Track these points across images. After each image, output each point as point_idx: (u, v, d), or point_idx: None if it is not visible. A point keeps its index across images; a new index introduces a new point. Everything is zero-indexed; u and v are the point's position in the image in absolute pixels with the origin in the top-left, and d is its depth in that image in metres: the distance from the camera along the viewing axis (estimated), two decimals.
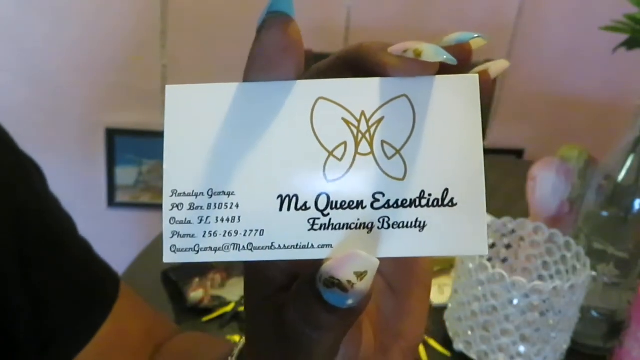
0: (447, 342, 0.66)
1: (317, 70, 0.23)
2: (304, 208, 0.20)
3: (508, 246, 0.68)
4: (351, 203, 0.20)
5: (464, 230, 0.20)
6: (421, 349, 0.66)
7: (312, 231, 0.20)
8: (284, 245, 0.20)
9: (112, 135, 1.36)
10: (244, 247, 0.20)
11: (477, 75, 0.21)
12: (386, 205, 0.20)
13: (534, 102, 1.43)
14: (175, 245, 0.20)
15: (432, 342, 0.67)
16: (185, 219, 0.20)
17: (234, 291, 0.72)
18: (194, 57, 1.33)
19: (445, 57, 0.20)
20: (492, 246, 0.68)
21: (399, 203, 0.20)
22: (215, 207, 0.20)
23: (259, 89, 0.21)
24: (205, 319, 0.68)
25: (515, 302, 0.59)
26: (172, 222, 0.20)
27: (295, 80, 0.21)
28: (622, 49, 0.65)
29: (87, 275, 0.43)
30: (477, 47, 0.21)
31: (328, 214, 0.20)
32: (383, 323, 0.24)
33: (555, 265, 0.66)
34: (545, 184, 0.79)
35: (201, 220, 0.20)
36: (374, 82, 0.21)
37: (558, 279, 0.65)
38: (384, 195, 0.20)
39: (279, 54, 0.21)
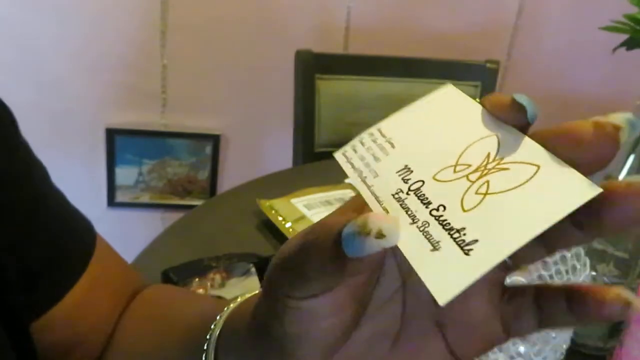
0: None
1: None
2: (405, 179, 0.23)
3: None
4: (425, 199, 0.22)
5: (451, 276, 0.20)
6: None
7: (393, 196, 0.23)
8: (371, 184, 0.24)
9: (112, 135, 1.36)
10: (357, 167, 0.25)
11: (600, 190, 0.21)
12: (437, 218, 0.21)
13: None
14: (346, 153, 0.26)
15: None
16: (363, 142, 0.26)
17: (234, 291, 0.72)
18: (194, 57, 1.33)
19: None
20: None
21: (444, 223, 0.21)
22: (376, 147, 0.25)
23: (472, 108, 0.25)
24: None
25: None
26: (357, 143, 0.26)
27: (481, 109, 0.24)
28: (622, 49, 0.65)
29: (66, 220, 0.43)
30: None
31: (409, 195, 0.23)
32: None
33: (555, 265, 0.66)
34: None
35: (366, 147, 0.26)
36: (526, 140, 0.22)
37: (558, 279, 0.65)
38: (445, 209, 0.21)
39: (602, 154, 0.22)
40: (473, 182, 0.22)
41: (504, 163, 0.22)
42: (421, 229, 0.21)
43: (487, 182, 0.22)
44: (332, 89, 1.16)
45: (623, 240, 0.65)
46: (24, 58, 1.29)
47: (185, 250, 0.78)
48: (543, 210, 0.20)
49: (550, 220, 0.20)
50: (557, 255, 0.66)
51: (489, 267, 0.19)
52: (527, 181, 0.21)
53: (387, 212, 0.23)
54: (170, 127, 1.37)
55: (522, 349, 0.61)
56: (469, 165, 0.22)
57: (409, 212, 0.22)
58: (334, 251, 0.21)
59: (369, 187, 0.24)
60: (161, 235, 0.84)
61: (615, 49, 0.65)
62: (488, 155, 0.22)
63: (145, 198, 1.44)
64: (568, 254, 0.64)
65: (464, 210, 0.21)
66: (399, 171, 0.24)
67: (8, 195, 0.39)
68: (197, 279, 0.71)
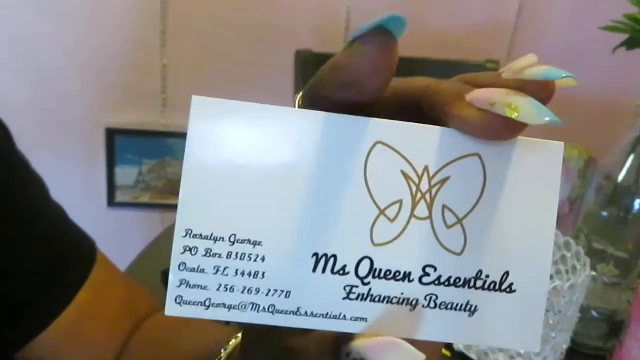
0: (447, 342, 0.66)
1: None
2: (341, 272, 0.17)
3: None
4: (397, 274, 0.17)
5: (517, 322, 0.17)
6: None
7: (347, 300, 0.17)
8: (312, 313, 0.17)
9: (112, 135, 1.36)
10: (264, 308, 0.17)
11: (562, 143, 0.18)
12: (436, 282, 0.17)
13: None
14: (182, 297, 0.17)
15: None
16: (199, 266, 0.17)
17: None
18: (194, 57, 1.33)
19: (548, 119, 0.16)
20: None
21: (452, 281, 0.17)
22: (237, 258, 0.17)
23: (308, 119, 0.17)
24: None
25: None
26: (181, 268, 0.17)
27: (351, 115, 0.17)
28: (622, 49, 0.65)
29: (60, 241, 0.40)
30: (562, 86, 0.18)
31: (369, 283, 0.17)
32: None
33: (555, 265, 0.66)
34: None
35: (217, 271, 0.17)
36: (445, 132, 0.17)
37: (558, 279, 0.65)
38: (435, 269, 0.17)
39: (369, 75, 0.17)
40: (428, 218, 0.17)
41: (435, 174, 0.17)
42: (433, 306, 0.17)
43: (444, 207, 0.17)
44: None
45: (623, 240, 0.65)
46: (23, 58, 1.29)
47: None
48: (535, 197, 0.17)
49: (554, 201, 0.17)
50: (557, 255, 0.66)
51: (547, 286, 0.17)
52: (484, 179, 0.17)
53: (365, 320, 0.17)
54: (170, 127, 1.37)
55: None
56: (399, 202, 0.17)
57: (395, 301, 0.17)
58: None
59: (299, 312, 0.17)
60: (161, 236, 0.84)
61: (615, 49, 0.65)
62: (405, 175, 0.17)
63: (145, 198, 1.44)
64: (568, 254, 0.64)
65: (458, 254, 0.17)
66: (314, 269, 0.17)
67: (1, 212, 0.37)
68: None
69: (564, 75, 0.17)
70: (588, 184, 0.68)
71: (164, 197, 1.43)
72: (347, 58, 0.17)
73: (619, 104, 1.32)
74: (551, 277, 0.67)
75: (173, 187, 1.44)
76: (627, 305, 0.62)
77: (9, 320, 0.38)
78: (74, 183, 1.38)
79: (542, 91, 0.17)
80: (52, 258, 0.40)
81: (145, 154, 1.39)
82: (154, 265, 0.75)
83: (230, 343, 0.28)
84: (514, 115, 0.16)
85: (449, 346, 0.66)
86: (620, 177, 0.64)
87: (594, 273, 0.65)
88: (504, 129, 0.16)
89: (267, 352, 0.20)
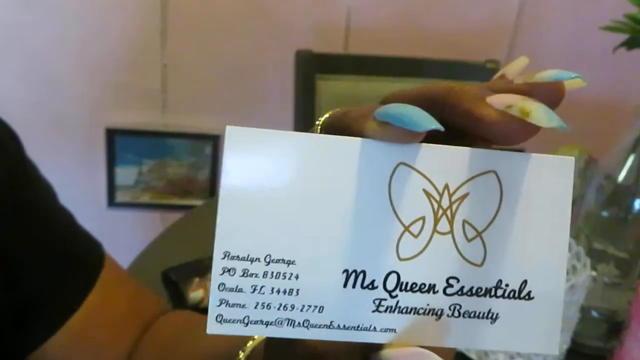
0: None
1: (395, 101, 0.19)
2: (370, 287, 0.18)
3: None
4: (422, 286, 0.18)
5: (536, 327, 0.18)
6: None
7: (376, 312, 0.18)
8: (344, 326, 0.18)
9: (112, 135, 1.36)
10: (299, 323, 0.18)
11: (573, 158, 0.19)
12: (459, 292, 0.18)
13: None
14: (222, 315, 0.18)
15: None
16: (237, 286, 0.18)
17: None
18: (194, 57, 1.33)
19: (556, 124, 0.17)
20: None
21: (473, 291, 0.18)
22: (272, 277, 0.18)
23: (334, 144, 0.18)
24: None
25: None
26: (221, 288, 0.18)
27: (374, 140, 0.18)
28: (622, 49, 0.65)
29: (69, 245, 0.41)
30: (572, 88, 0.19)
31: (396, 296, 0.18)
32: None
33: None
34: None
35: (255, 290, 0.18)
36: (463, 151, 0.18)
37: None
38: (458, 280, 0.18)
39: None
40: (450, 233, 0.18)
41: (455, 191, 0.18)
42: (457, 315, 0.18)
43: (464, 222, 0.18)
44: (332, 89, 1.16)
45: (623, 240, 0.65)
46: (24, 59, 1.29)
47: (185, 250, 0.78)
48: (549, 209, 0.18)
49: (566, 213, 0.18)
50: None
51: (562, 292, 0.18)
52: (501, 194, 0.18)
53: (394, 331, 0.18)
54: (170, 127, 1.37)
55: None
56: (422, 219, 0.18)
57: (422, 311, 0.18)
58: None
59: (332, 326, 0.18)
60: (161, 235, 0.84)
61: (615, 49, 0.65)
62: (427, 193, 0.18)
63: (145, 198, 1.44)
64: (568, 254, 0.64)
65: (479, 265, 0.18)
66: (345, 284, 0.18)
67: (10, 216, 0.37)
68: (197, 279, 0.71)
69: (573, 75, 0.18)
70: (588, 184, 0.68)
71: (164, 197, 1.43)
72: (376, 133, 0.18)
73: (619, 104, 1.32)
74: None
75: (173, 187, 1.44)
76: (627, 305, 0.62)
77: (20, 324, 0.38)
78: (74, 183, 1.38)
79: (553, 93, 0.18)
80: (62, 262, 0.40)
81: (145, 154, 1.39)
82: (154, 265, 0.75)
83: (248, 345, 0.29)
84: (527, 118, 0.17)
85: None
86: (620, 177, 0.64)
87: (594, 273, 0.65)
88: (518, 130, 0.18)
89: (295, 358, 0.20)
